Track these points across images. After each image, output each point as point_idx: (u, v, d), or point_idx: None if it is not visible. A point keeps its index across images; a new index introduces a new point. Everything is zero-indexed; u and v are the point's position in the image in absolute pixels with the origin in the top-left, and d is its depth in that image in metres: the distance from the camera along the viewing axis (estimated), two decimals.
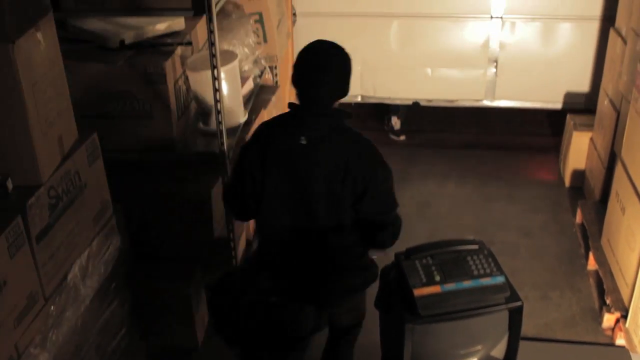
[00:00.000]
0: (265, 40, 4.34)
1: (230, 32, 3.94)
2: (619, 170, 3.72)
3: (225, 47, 3.80)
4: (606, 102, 4.36)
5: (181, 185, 3.60)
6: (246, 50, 4.04)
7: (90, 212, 2.77)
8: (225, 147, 3.39)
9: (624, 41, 4.10)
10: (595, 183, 4.47)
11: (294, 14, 4.98)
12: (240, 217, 2.86)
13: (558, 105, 5.20)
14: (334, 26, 5.01)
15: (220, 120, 3.32)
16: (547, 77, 5.12)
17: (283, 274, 2.67)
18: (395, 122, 5.64)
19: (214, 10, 3.10)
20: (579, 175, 4.81)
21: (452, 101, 5.26)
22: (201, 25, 3.56)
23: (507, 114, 5.93)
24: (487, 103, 5.26)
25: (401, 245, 2.66)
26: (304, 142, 2.51)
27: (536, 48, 5.05)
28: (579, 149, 4.75)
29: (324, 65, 2.51)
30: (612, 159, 4.09)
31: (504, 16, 4.97)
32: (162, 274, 3.39)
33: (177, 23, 3.45)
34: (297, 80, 2.52)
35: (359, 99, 5.34)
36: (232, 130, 3.57)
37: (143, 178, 3.65)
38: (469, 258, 2.52)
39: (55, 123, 2.50)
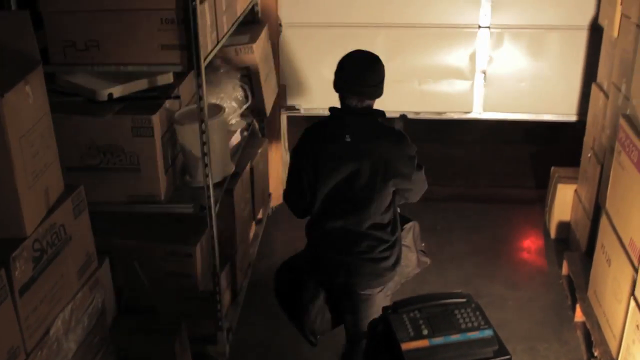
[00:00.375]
0: (252, 94, 4.38)
1: (218, 86, 3.98)
2: (603, 222, 3.75)
3: (213, 100, 3.84)
4: (590, 155, 4.41)
5: (167, 239, 3.59)
6: (234, 104, 4.08)
7: (75, 265, 2.75)
8: (212, 201, 3.39)
9: (606, 95, 4.18)
10: (580, 235, 4.49)
11: (280, 25, 4.93)
12: (301, 214, 3.19)
13: (548, 117, 5.11)
14: (320, 37, 4.97)
15: (207, 173, 3.33)
16: (537, 88, 5.02)
17: (327, 261, 3.06)
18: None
19: (203, 66, 3.14)
20: (564, 227, 4.84)
21: (440, 113, 5.13)
22: (189, 79, 3.59)
23: (492, 164, 5.99)
24: (475, 115, 5.14)
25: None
26: (348, 139, 2.90)
27: (525, 59, 4.97)
28: (564, 201, 4.79)
29: (365, 70, 2.92)
30: (597, 211, 4.12)
31: (491, 26, 4.88)
32: (146, 328, 3.34)
33: (166, 77, 3.48)
34: (341, 85, 2.94)
35: None
36: (219, 184, 3.58)
37: (129, 231, 3.64)
38: (456, 311, 2.51)
39: (41, 176, 2.49)
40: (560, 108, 5.07)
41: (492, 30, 4.90)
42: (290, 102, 5.22)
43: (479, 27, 4.89)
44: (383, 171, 2.91)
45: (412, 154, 3.00)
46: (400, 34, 4.97)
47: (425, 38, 4.98)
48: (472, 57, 4.98)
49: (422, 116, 5.17)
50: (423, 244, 3.51)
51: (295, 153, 3.11)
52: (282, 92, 5.13)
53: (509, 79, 5.02)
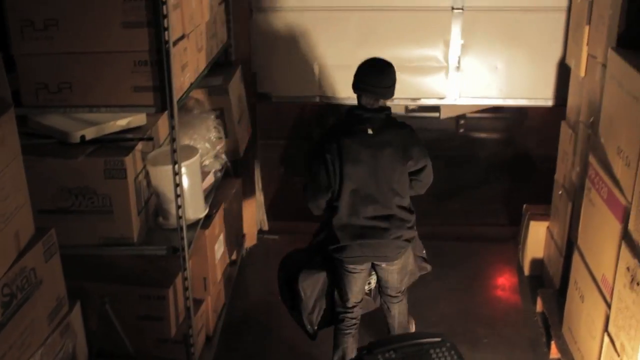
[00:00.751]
0: (226, 136, 4.39)
1: (192, 127, 3.99)
2: (576, 258, 3.78)
3: (187, 142, 3.84)
4: (560, 192, 4.46)
5: (139, 281, 3.55)
6: (207, 145, 4.08)
7: (46, 310, 2.70)
8: (185, 243, 3.37)
9: (575, 133, 4.25)
10: (553, 272, 4.52)
11: (251, 10, 4.80)
12: (320, 210, 3.58)
13: (524, 102, 5.02)
14: (292, 21, 4.84)
15: (180, 215, 3.31)
16: (513, 73, 4.91)
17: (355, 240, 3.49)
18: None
19: (176, 107, 3.15)
20: (537, 264, 4.87)
21: (414, 99, 5.01)
22: (163, 120, 3.60)
23: (465, 202, 6.03)
24: (450, 102, 5.02)
25: (363, 339, 2.64)
26: (370, 132, 3.40)
27: (500, 42, 4.84)
28: (537, 238, 4.82)
29: (381, 74, 3.44)
30: (570, 247, 4.15)
31: (465, 8, 4.75)
32: None
33: (139, 118, 3.48)
34: (360, 86, 3.45)
35: (317, 100, 5.07)
36: (192, 225, 3.56)
37: (101, 274, 3.60)
38: (431, 351, 2.50)
39: (12, 219, 2.47)
40: (536, 92, 4.95)
41: (465, 11, 4.78)
42: (261, 90, 5.07)
43: (452, 8, 4.78)
44: (401, 155, 3.44)
45: (422, 143, 3.53)
46: (373, 17, 4.85)
47: (398, 21, 4.84)
48: (446, 42, 4.86)
49: (396, 102, 4.91)
50: (424, 251, 3.98)
51: (319, 151, 3.46)
52: (253, 81, 4.99)
53: (484, 63, 4.91)
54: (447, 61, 4.91)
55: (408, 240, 3.59)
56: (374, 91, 3.43)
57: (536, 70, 4.88)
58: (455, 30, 4.83)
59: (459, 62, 4.90)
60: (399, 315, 3.88)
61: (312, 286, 3.67)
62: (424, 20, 4.84)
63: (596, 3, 3.87)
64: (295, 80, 5.02)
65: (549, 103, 4.95)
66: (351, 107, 3.51)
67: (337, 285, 3.68)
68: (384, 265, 3.65)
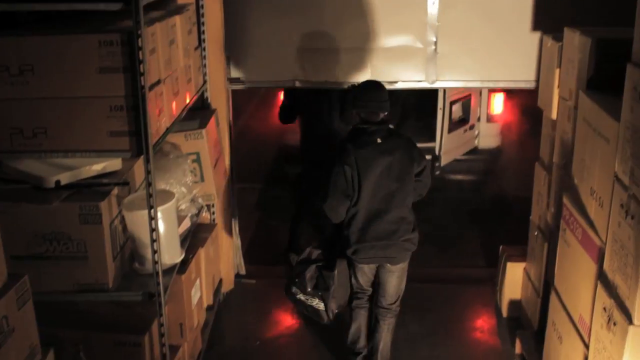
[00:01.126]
0: (202, 179, 4.39)
1: (168, 171, 3.98)
2: (553, 299, 3.79)
3: (163, 186, 3.82)
4: (536, 232, 4.50)
5: (114, 328, 3.50)
6: (183, 189, 4.07)
7: (18, 358, 2.64)
8: (161, 288, 3.33)
9: (549, 174, 4.30)
10: (531, 313, 4.53)
11: None
12: (340, 217, 4.02)
13: (503, 84, 4.92)
14: (265, 4, 4.78)
15: (156, 260, 3.29)
16: (492, 54, 4.84)
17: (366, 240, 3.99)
18: (294, 258, 5.54)
19: (152, 152, 3.15)
20: (515, 305, 4.87)
21: (392, 82, 4.89)
22: (139, 165, 3.58)
23: (442, 244, 6.04)
24: (427, 84, 4.93)
25: None
26: (379, 141, 3.91)
27: (478, 22, 4.77)
28: (514, 280, 4.84)
29: (378, 90, 3.99)
30: (546, 288, 4.17)
31: None
32: None
33: (115, 163, 3.47)
34: (362, 103, 3.95)
35: (297, 84, 4.97)
36: (168, 271, 3.53)
37: (75, 321, 3.54)
38: None
39: None
40: (517, 74, 4.88)
41: None
42: (234, 75, 4.97)
43: None
44: (408, 158, 3.97)
45: (418, 147, 4.08)
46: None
47: (374, 3, 4.78)
48: (423, 24, 4.80)
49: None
50: None
51: (339, 164, 3.90)
52: (227, 64, 4.89)
53: (461, 45, 4.85)
54: (424, 44, 4.86)
55: (414, 244, 4.10)
56: (376, 106, 3.93)
57: (516, 51, 4.80)
58: (432, 12, 4.79)
59: (435, 45, 4.85)
60: (385, 336, 4.28)
61: (341, 275, 4.20)
62: (400, 2, 4.81)
63: (565, 47, 3.95)
64: (269, 64, 4.91)
65: (531, 85, 4.87)
66: (356, 125, 4.00)
67: (353, 274, 4.22)
68: (388, 265, 4.11)
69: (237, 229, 5.42)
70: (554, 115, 4.17)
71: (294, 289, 4.29)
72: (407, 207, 4.06)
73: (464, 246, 6.09)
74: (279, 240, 5.89)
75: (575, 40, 3.77)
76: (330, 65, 4.92)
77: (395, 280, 4.16)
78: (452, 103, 6.35)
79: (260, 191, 7.49)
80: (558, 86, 4.09)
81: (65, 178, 3.29)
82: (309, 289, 4.23)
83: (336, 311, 4.25)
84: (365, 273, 4.17)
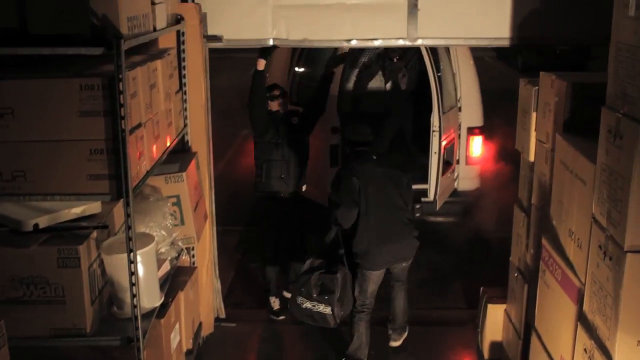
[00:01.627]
0: (182, 222, 4.37)
1: (148, 214, 3.96)
2: (534, 341, 3.79)
3: (143, 229, 3.80)
4: (516, 274, 4.51)
5: None
6: (163, 232, 4.05)
7: None
8: (139, 333, 3.29)
9: (527, 216, 4.33)
10: (513, 354, 4.51)
11: None
12: (350, 222, 4.63)
13: (486, 42, 4.88)
14: None
15: (135, 304, 3.25)
16: (473, 10, 4.75)
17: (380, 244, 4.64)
18: (274, 301, 5.57)
19: (132, 195, 3.14)
20: (496, 347, 4.86)
21: (372, 40, 4.82)
22: (118, 207, 3.57)
23: (423, 285, 6.03)
24: (409, 42, 4.84)
25: None
26: (375, 157, 4.71)
27: None
28: (495, 321, 4.83)
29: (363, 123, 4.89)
30: (527, 330, 4.17)
31: None
32: None
33: (94, 206, 3.45)
34: (355, 132, 4.83)
35: (270, 42, 4.86)
36: (147, 315, 3.49)
37: None
38: None
39: None
40: (500, 31, 4.78)
41: None
42: (211, 32, 4.84)
43: None
44: (401, 170, 4.76)
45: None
46: None
47: None
48: None
49: (354, 43, 4.86)
50: None
51: (351, 185, 4.58)
52: (203, 22, 4.75)
53: (444, 1, 4.76)
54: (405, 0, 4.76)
55: (417, 238, 4.78)
56: (368, 139, 4.78)
57: (498, 7, 4.73)
58: None
59: (416, 0, 4.75)
60: (404, 301, 5.07)
61: (345, 280, 4.67)
62: None
63: (541, 91, 4.02)
64: (246, 21, 4.82)
65: (515, 41, 4.78)
66: (352, 150, 4.76)
67: (359, 283, 4.70)
68: (404, 264, 4.85)
69: (217, 271, 5.39)
70: (531, 158, 4.22)
71: (300, 299, 4.63)
72: (409, 209, 4.78)
73: (445, 288, 6.09)
74: (260, 283, 5.86)
75: (551, 84, 3.84)
76: (308, 22, 4.82)
77: (406, 268, 4.94)
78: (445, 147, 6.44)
79: (240, 233, 7.47)
80: (535, 129, 4.15)
81: (43, 221, 3.27)
82: (315, 295, 4.58)
83: (342, 313, 4.64)
84: (374, 281, 4.68)
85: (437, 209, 6.41)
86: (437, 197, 6.36)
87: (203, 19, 4.73)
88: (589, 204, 3.10)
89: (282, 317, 5.52)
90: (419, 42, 4.89)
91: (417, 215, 6.58)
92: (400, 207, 4.69)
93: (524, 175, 4.50)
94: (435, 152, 6.36)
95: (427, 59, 6.25)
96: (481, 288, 5.11)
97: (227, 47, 4.87)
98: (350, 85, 7.08)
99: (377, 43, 4.90)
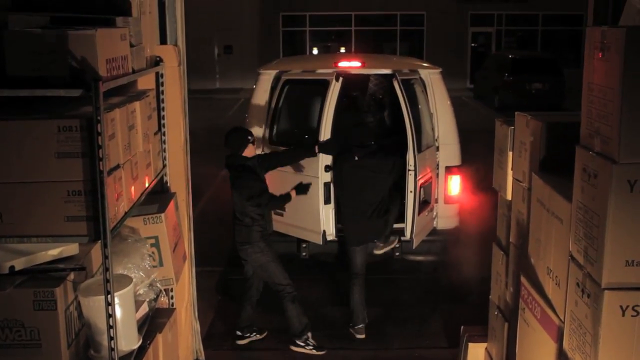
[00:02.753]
0: (161, 264, 4.34)
1: (126, 256, 3.93)
2: None
3: (121, 270, 3.77)
4: (496, 312, 4.51)
5: None
6: (141, 273, 4.02)
7: None
8: None
9: (506, 254, 4.35)
10: None
11: None
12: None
13: None
14: None
15: (112, 347, 3.21)
16: None
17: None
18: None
19: (110, 237, 3.12)
20: None
21: None
22: (96, 249, 3.54)
23: (403, 325, 6.01)
24: None
25: None
26: (357, 158, 5.93)
27: None
28: None
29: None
30: None
31: None
32: None
33: (71, 248, 3.42)
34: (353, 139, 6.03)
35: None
36: (124, 358, 3.44)
37: None
38: None
39: None
40: None
41: None
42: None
43: None
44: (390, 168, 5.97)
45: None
46: None
47: None
48: None
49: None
50: None
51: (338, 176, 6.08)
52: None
53: None
54: None
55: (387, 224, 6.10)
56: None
57: None
58: None
59: None
60: (359, 295, 5.92)
61: None
62: None
63: (517, 130, 4.07)
64: None
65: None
66: (342, 151, 6.01)
67: (348, 255, 6.02)
68: (377, 245, 6.18)
69: (196, 313, 5.34)
70: (508, 196, 4.26)
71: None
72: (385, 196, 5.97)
73: (425, 327, 6.08)
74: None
75: (526, 124, 3.90)
76: None
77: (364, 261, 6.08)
78: (422, 187, 6.52)
79: (220, 274, 7.42)
80: (512, 168, 4.19)
81: (19, 263, 3.23)
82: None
83: None
84: (359, 253, 5.95)
85: (414, 247, 6.43)
86: (413, 236, 6.37)
87: (180, 58, 4.76)
88: (566, 242, 3.13)
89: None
90: None
91: (397, 254, 6.60)
92: (374, 191, 5.85)
93: (502, 213, 4.54)
94: (411, 191, 6.39)
95: (401, 99, 6.35)
96: (462, 327, 5.10)
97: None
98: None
99: None
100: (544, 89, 20.59)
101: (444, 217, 7.01)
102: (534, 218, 3.65)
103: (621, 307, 2.77)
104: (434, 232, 6.97)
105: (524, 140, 3.93)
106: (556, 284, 3.28)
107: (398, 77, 6.38)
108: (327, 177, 6.37)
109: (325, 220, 6.41)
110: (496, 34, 28.88)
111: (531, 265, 3.66)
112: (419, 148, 6.47)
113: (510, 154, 4.19)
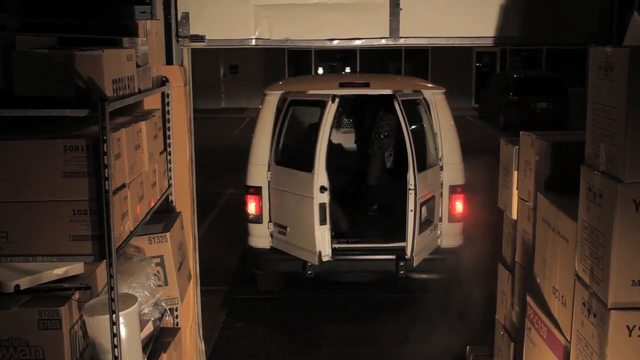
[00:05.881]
0: (166, 283, 4.34)
1: (131, 275, 3.93)
2: None
3: (125, 290, 3.77)
4: (502, 332, 4.49)
5: None
6: (146, 293, 4.01)
7: None
8: None
9: (512, 274, 4.34)
10: None
11: None
12: None
13: (467, 41, 4.85)
14: None
15: None
16: (456, 9, 4.74)
17: None
18: None
19: (115, 256, 3.12)
20: None
21: (354, 39, 4.76)
22: (101, 268, 3.54)
23: (409, 342, 5.98)
24: (391, 42, 4.80)
25: None
26: None
27: None
28: None
29: None
30: None
31: None
32: None
33: (77, 267, 3.43)
34: None
35: (252, 43, 4.87)
36: None
37: None
38: None
39: None
40: (482, 30, 4.77)
41: None
42: (193, 31, 4.78)
43: None
44: None
45: None
46: None
47: None
48: None
49: (336, 43, 4.84)
50: None
51: None
52: (185, 22, 4.73)
53: (426, 1, 4.76)
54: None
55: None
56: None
57: (480, 6, 4.74)
58: None
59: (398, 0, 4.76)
60: None
61: None
62: None
63: (522, 150, 4.08)
64: (230, 21, 4.81)
65: (498, 41, 4.80)
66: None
67: None
68: None
69: (201, 332, 5.33)
70: (514, 216, 4.25)
71: None
72: None
73: (430, 346, 6.04)
74: (244, 344, 5.79)
75: (531, 144, 3.90)
76: (290, 22, 4.81)
77: None
78: (422, 204, 6.53)
79: (225, 293, 7.41)
80: (517, 187, 4.19)
81: (25, 283, 3.23)
82: None
83: None
84: None
85: (414, 265, 6.45)
86: (414, 255, 6.37)
87: (185, 78, 4.80)
88: (571, 262, 3.12)
89: None
90: (402, 41, 4.84)
91: (402, 272, 6.62)
92: None
93: (507, 233, 4.53)
94: (411, 210, 6.39)
95: (401, 119, 6.43)
96: (467, 346, 5.08)
97: (210, 47, 4.87)
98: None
99: (358, 43, 4.85)
100: (549, 108, 20.61)
101: (448, 236, 7.04)
102: (540, 237, 3.64)
103: (627, 327, 2.76)
104: (438, 250, 6.97)
105: (529, 160, 3.94)
106: (562, 304, 3.26)
107: (398, 98, 6.44)
108: (323, 197, 6.37)
109: (321, 241, 6.40)
110: (501, 53, 28.98)
111: (537, 285, 3.64)
112: (422, 167, 6.50)
113: (515, 173, 4.19)
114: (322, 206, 6.39)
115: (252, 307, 7.02)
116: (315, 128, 6.55)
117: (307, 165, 6.36)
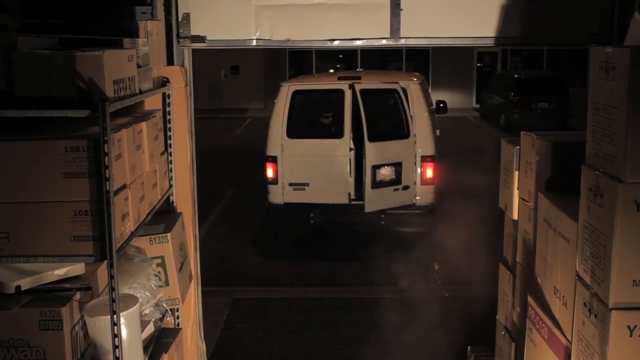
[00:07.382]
0: (167, 284, 4.34)
1: (132, 276, 3.93)
2: None
3: (126, 290, 3.77)
4: (503, 332, 4.49)
5: None
6: (147, 293, 4.02)
7: None
8: None
9: (513, 274, 4.33)
10: None
11: None
12: None
13: (469, 42, 4.84)
14: None
15: None
16: (457, 10, 4.71)
17: None
18: None
19: (116, 257, 3.13)
20: None
21: (355, 39, 4.76)
22: (102, 269, 3.54)
23: (409, 342, 5.98)
24: (392, 42, 4.77)
25: None
26: None
27: None
28: None
29: None
30: None
31: None
32: None
33: (77, 267, 3.43)
34: None
35: (253, 43, 4.85)
36: None
37: None
38: None
39: None
40: (480, 30, 4.75)
41: None
42: (194, 32, 4.77)
43: None
44: None
45: None
46: None
47: None
48: None
49: (336, 43, 4.84)
50: None
51: None
52: (186, 23, 4.71)
53: (427, 2, 4.74)
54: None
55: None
56: None
57: (482, 6, 4.73)
58: None
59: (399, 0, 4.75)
60: None
61: None
62: None
63: (523, 150, 4.07)
64: (230, 21, 4.80)
65: (499, 41, 4.78)
66: None
67: None
68: None
69: (202, 333, 5.33)
70: (515, 216, 4.25)
71: None
72: None
73: (431, 347, 6.04)
74: (246, 344, 5.79)
75: (532, 144, 3.90)
76: (291, 22, 4.81)
77: None
78: (375, 167, 8.77)
79: (226, 293, 7.42)
80: (517, 188, 4.19)
81: (26, 283, 3.23)
82: None
83: None
84: None
85: (366, 211, 8.78)
86: (366, 203, 8.81)
87: (186, 78, 4.80)
88: (572, 262, 3.12)
89: None
90: (402, 41, 4.85)
91: (382, 223, 8.98)
92: None
93: (508, 233, 4.52)
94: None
95: (360, 104, 8.80)
96: (468, 347, 5.07)
97: (210, 48, 4.87)
98: None
99: (359, 43, 4.87)
100: (550, 109, 20.63)
101: (421, 195, 9.27)
102: (540, 237, 3.64)
103: (629, 327, 2.76)
104: (413, 207, 9.20)
105: (530, 160, 3.93)
106: (563, 304, 3.26)
107: (355, 88, 8.88)
108: (351, 155, 9.01)
109: (351, 185, 9.07)
110: (502, 54, 28.98)
111: (538, 285, 3.64)
112: (388, 138, 8.97)
113: (516, 173, 4.19)
114: (350, 162, 8.98)
115: (253, 308, 7.03)
116: (338, 109, 9.02)
117: (338, 134, 8.99)
